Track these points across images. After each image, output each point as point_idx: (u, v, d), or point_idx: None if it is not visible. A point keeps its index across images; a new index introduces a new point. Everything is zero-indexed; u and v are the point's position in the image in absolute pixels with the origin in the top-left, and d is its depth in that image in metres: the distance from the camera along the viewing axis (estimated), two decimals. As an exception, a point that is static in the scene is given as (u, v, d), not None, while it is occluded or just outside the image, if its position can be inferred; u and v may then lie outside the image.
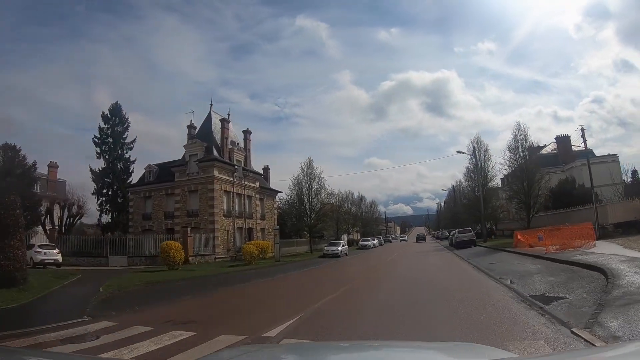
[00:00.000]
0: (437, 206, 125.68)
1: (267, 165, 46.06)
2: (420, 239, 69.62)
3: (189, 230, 30.03)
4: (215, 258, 31.38)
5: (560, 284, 9.47)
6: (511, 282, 10.74)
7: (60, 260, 23.66)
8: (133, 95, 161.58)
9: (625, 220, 21.47)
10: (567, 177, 35.08)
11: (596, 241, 16.02)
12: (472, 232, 32.95)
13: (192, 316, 8.70)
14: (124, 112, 42.08)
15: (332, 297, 10.28)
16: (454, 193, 67.30)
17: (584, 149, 38.30)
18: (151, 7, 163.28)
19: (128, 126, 41.92)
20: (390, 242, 76.81)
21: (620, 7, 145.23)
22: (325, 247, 36.45)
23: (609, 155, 36.39)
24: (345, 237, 58.11)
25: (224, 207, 34.89)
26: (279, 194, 45.74)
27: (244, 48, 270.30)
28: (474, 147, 36.50)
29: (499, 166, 36.82)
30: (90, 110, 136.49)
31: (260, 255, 30.32)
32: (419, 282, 12.87)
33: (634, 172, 45.19)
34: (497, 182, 45.85)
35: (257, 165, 44.69)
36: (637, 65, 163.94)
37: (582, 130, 24.32)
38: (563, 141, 42.00)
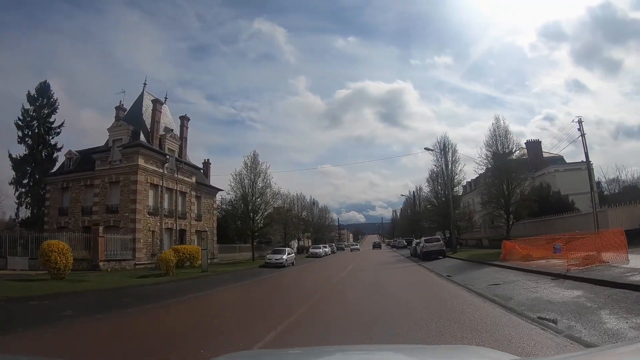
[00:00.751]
0: (393, 214, 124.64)
1: (208, 159, 40.56)
2: (376, 246, 79.61)
3: (101, 229, 24.37)
4: (136, 264, 25.80)
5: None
6: (570, 327, 5.79)
7: None
8: (87, 90, 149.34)
9: (628, 228, 17.80)
10: (540, 183, 32.26)
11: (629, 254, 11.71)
12: (442, 242, 28.74)
13: None
14: (52, 92, 37.15)
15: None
16: (414, 199, 64.41)
17: (556, 155, 35.96)
18: (113, 1, 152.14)
19: (56, 109, 37.08)
20: (343, 249, 75.86)
21: (574, 29, 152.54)
22: (267, 255, 31.23)
23: (582, 162, 33.82)
24: (294, 243, 53.40)
25: (150, 203, 29.03)
26: (221, 193, 40.16)
27: (203, 49, 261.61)
28: (444, 144, 32.69)
29: (475, 165, 33.44)
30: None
31: (189, 263, 25.28)
32: (396, 327, 6.85)
33: (598, 183, 44.64)
34: (459, 189, 43.08)
35: (199, 160, 39.03)
36: (588, 86, 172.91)
37: (580, 122, 20.62)
38: (533, 146, 39.51)
